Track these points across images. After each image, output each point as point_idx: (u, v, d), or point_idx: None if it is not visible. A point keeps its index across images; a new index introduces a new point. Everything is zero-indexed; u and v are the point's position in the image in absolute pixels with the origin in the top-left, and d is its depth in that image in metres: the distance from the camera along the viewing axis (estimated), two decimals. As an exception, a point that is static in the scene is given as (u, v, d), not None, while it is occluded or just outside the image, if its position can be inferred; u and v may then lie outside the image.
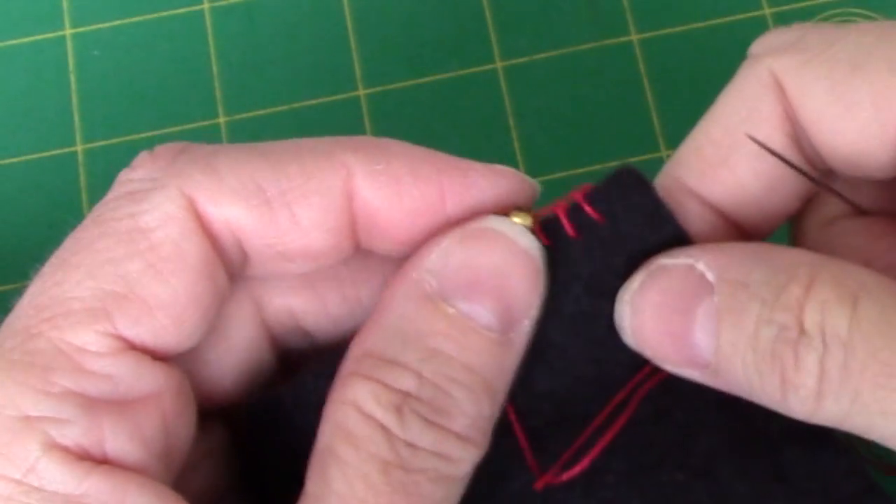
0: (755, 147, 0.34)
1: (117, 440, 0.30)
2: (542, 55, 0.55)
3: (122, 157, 0.52)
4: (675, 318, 0.32)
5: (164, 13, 0.56)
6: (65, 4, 0.56)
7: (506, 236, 0.32)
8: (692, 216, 0.34)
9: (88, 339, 0.30)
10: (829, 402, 0.30)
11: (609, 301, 0.33)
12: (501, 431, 0.33)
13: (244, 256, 0.33)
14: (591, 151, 0.53)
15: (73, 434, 0.29)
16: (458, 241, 0.32)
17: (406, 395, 0.30)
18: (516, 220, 0.33)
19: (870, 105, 0.32)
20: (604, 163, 0.53)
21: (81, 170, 0.53)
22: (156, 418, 0.31)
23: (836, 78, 0.32)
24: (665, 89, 0.54)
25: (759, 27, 0.55)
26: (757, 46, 0.35)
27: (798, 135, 0.34)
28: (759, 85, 0.34)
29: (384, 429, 0.30)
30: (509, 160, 0.53)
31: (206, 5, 0.56)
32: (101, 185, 0.52)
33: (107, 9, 0.56)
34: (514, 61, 0.55)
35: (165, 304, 0.31)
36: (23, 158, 0.53)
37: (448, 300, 0.31)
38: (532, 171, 0.53)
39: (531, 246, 0.32)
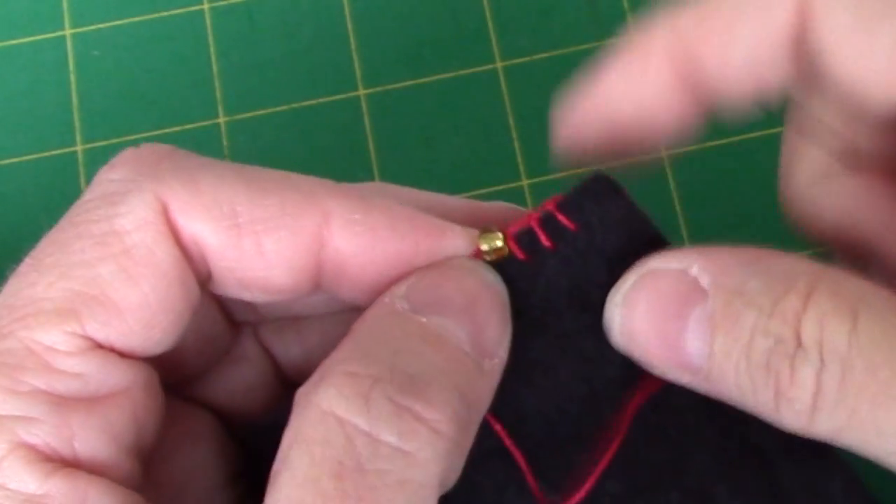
0: (761, 27, 0.33)
1: (86, 437, 0.30)
2: (542, 55, 0.55)
3: (122, 157, 0.53)
4: (667, 322, 0.31)
5: (164, 13, 0.56)
6: (65, 4, 0.56)
7: (473, 269, 0.32)
8: (659, 82, 0.35)
9: (57, 338, 0.30)
10: (823, 418, 0.29)
11: (592, 314, 0.33)
12: (496, 456, 0.32)
13: (208, 273, 0.33)
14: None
15: (42, 432, 0.29)
16: (426, 272, 0.32)
17: (376, 379, 0.29)
18: (485, 244, 0.33)
19: (891, 46, 0.31)
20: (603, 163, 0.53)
21: (81, 170, 0.53)
22: (125, 414, 0.31)
23: (866, 9, 0.32)
24: (665, 89, 0.54)
25: (759, 27, 0.55)
26: None
27: (801, 41, 0.33)
28: None
29: (343, 424, 0.28)
30: (509, 160, 0.53)
31: (206, 5, 0.56)
32: (101, 185, 0.53)
33: (107, 9, 0.56)
34: (514, 61, 0.55)
35: (135, 308, 0.31)
36: (23, 158, 0.53)
37: (419, 314, 0.31)
38: (532, 172, 0.53)
39: (498, 282, 0.32)
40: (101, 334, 0.31)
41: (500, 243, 0.33)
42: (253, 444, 0.36)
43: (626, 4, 0.56)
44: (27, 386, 0.30)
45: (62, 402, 0.30)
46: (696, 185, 0.53)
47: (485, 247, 0.33)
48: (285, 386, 0.38)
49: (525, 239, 0.33)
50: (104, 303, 0.30)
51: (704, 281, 0.31)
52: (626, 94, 0.35)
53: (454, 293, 0.31)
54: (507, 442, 0.33)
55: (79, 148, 0.53)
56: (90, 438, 0.30)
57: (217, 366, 0.36)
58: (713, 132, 0.54)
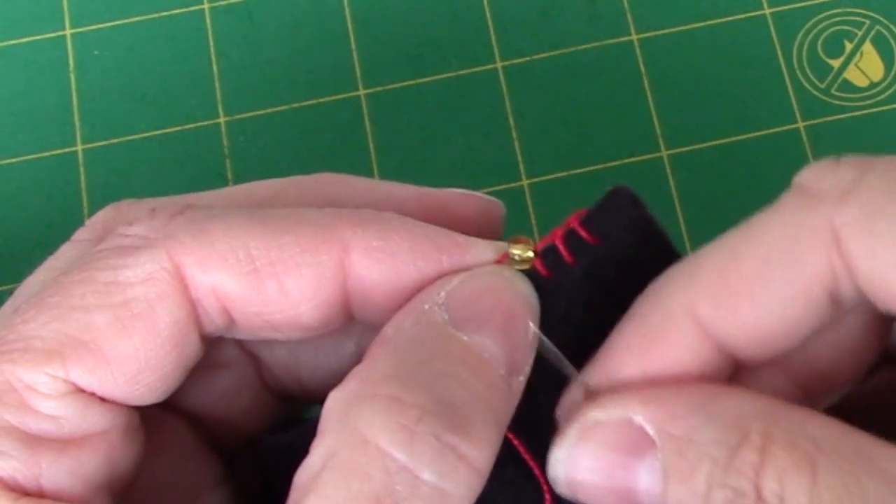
0: (788, 292, 0.31)
1: (54, 476, 0.30)
2: (542, 55, 0.55)
3: (122, 157, 0.53)
4: (615, 474, 0.30)
5: (164, 13, 0.56)
6: (65, 4, 0.56)
7: (511, 280, 0.32)
8: (689, 353, 0.32)
9: (39, 379, 0.30)
10: None
11: (609, 327, 0.33)
12: (511, 464, 0.32)
13: (230, 320, 0.32)
14: (591, 151, 0.53)
15: (8, 466, 0.29)
16: (466, 281, 0.31)
17: (422, 410, 0.28)
18: (516, 251, 0.33)
19: None
20: (604, 163, 0.53)
21: (81, 170, 0.53)
22: (99, 456, 0.31)
23: None
24: (665, 89, 0.54)
25: (759, 27, 0.55)
26: (808, 179, 0.32)
27: (839, 289, 0.31)
28: (811, 230, 0.31)
29: (384, 456, 0.28)
30: (509, 160, 0.53)
31: (206, 5, 0.56)
32: (101, 185, 0.53)
33: (107, 9, 0.56)
34: (514, 61, 0.55)
35: (123, 360, 0.31)
36: (23, 158, 0.53)
37: (460, 330, 0.30)
38: (532, 171, 0.53)
39: (532, 294, 0.32)
40: (84, 380, 0.30)
41: (530, 254, 0.33)
42: (263, 458, 0.35)
43: (626, 4, 0.56)
44: (1, 421, 0.30)
45: (33, 441, 0.30)
46: (696, 185, 0.53)
47: (515, 255, 0.33)
48: (269, 390, 0.38)
49: (549, 256, 0.33)
50: (93, 350, 0.30)
51: (651, 430, 0.30)
52: (655, 371, 0.32)
53: (494, 308, 0.31)
54: (524, 453, 0.33)
55: (79, 148, 0.53)
56: (58, 477, 0.30)
57: (194, 372, 0.35)
58: (713, 132, 0.54)
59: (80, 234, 0.35)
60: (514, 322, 0.31)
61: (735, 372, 0.33)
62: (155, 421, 0.34)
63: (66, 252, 0.34)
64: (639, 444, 0.30)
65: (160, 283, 0.31)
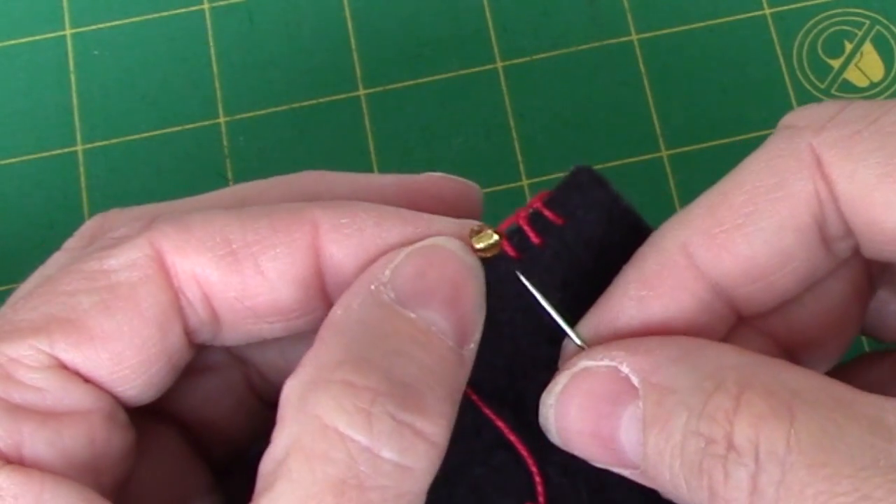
0: (777, 220, 0.32)
1: (35, 446, 0.30)
2: (542, 55, 0.55)
3: (122, 157, 0.53)
4: (601, 422, 0.31)
5: (164, 13, 0.56)
6: (65, 4, 0.56)
7: (454, 253, 0.32)
8: (686, 294, 0.33)
9: (23, 351, 0.31)
10: None
11: (586, 305, 0.34)
12: (499, 451, 0.33)
13: (214, 317, 0.33)
14: (591, 151, 0.53)
15: None
16: (410, 256, 0.32)
17: (375, 392, 0.29)
18: (479, 244, 0.33)
19: None
20: (604, 163, 0.53)
21: (81, 170, 0.53)
22: (81, 434, 0.31)
23: (890, 150, 0.31)
24: (665, 89, 0.54)
25: (759, 27, 0.55)
26: (791, 119, 0.34)
27: (825, 217, 0.32)
28: (795, 159, 0.32)
29: (345, 440, 0.29)
30: (509, 160, 0.53)
31: (206, 5, 0.56)
32: (101, 185, 0.53)
33: (107, 9, 0.56)
34: (514, 61, 0.55)
35: (107, 336, 0.31)
36: (23, 158, 0.53)
37: (406, 307, 0.31)
38: (532, 171, 0.53)
39: (476, 265, 0.33)
40: (68, 355, 0.31)
41: (495, 239, 0.33)
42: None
43: (626, 4, 0.56)
44: None
45: (16, 410, 0.31)
46: (696, 185, 0.53)
47: (480, 245, 0.33)
48: (256, 394, 0.38)
49: (515, 237, 0.34)
50: (78, 326, 0.31)
51: (635, 379, 0.31)
52: (654, 316, 0.33)
53: (439, 282, 0.32)
54: (508, 434, 0.33)
55: (79, 148, 0.53)
56: (39, 448, 0.31)
57: (180, 377, 0.35)
58: (713, 131, 0.54)
59: (70, 243, 0.36)
60: (458, 292, 0.32)
61: (735, 327, 0.34)
62: (145, 429, 0.34)
63: (56, 260, 0.35)
64: (623, 393, 0.31)
65: (143, 268, 0.32)
